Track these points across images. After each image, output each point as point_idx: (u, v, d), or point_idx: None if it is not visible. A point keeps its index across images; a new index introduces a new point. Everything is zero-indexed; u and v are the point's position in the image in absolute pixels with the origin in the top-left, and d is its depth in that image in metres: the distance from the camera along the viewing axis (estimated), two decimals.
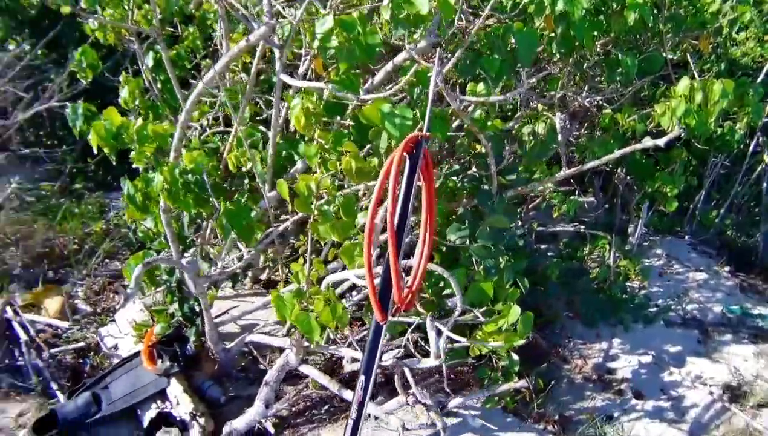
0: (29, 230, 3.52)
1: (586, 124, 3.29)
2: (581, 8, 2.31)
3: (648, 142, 2.36)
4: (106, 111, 2.35)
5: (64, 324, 2.99)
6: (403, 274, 1.76)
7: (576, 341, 3.51)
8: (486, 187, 2.32)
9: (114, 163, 2.38)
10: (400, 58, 2.14)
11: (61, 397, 2.62)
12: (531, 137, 2.31)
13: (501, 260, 2.25)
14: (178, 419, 2.40)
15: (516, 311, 2.12)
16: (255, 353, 2.89)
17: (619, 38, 3.14)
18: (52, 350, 2.85)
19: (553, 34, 2.54)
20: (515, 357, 2.39)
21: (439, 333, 1.93)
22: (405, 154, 1.59)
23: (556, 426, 2.78)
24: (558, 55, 2.69)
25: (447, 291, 2.24)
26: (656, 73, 3.21)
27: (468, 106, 2.21)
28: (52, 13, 4.05)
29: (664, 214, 4.96)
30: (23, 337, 2.87)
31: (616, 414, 2.98)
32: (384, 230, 1.57)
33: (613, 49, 3.15)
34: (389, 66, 2.23)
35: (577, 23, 2.35)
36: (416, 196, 1.73)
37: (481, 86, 2.09)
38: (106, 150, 2.36)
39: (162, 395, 2.54)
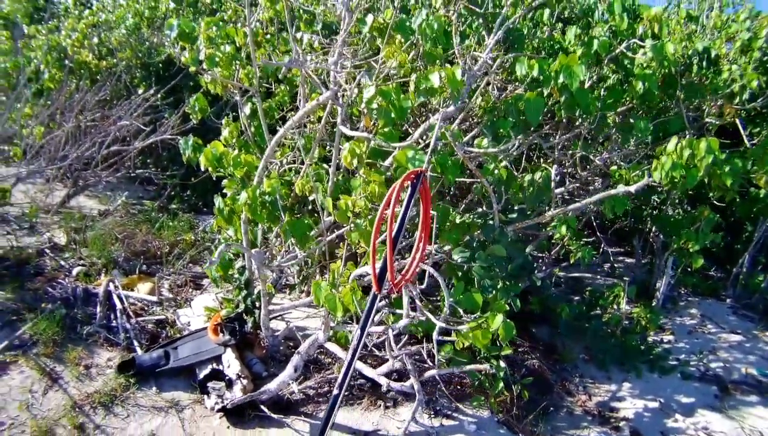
0: (132, 232, 4.67)
1: (601, 179, 3.91)
2: (578, 80, 3.04)
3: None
4: (213, 142, 3.39)
5: (153, 298, 3.99)
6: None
7: (586, 380, 3.96)
8: (491, 222, 3.04)
9: (211, 184, 3.41)
10: (428, 122, 2.97)
11: (139, 351, 3.60)
12: (530, 185, 3.02)
13: (499, 281, 2.92)
14: (226, 377, 3.24)
15: (499, 318, 2.77)
16: (294, 343, 3.69)
17: (635, 105, 3.81)
18: (139, 318, 3.86)
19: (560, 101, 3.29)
20: (502, 364, 2.99)
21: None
22: (408, 182, 2.38)
23: None
24: (564, 117, 3.41)
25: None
26: (675, 134, 3.81)
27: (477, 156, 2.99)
28: (173, 65, 5.42)
29: (707, 278, 5.27)
30: (119, 306, 3.90)
31: None
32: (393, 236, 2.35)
33: (631, 114, 3.83)
34: (424, 125, 3.07)
35: (575, 92, 3.08)
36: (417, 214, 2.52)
37: (485, 142, 2.87)
38: (210, 169, 3.38)
39: (218, 360, 3.41)
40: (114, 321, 3.88)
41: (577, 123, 3.79)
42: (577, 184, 3.82)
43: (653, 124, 3.64)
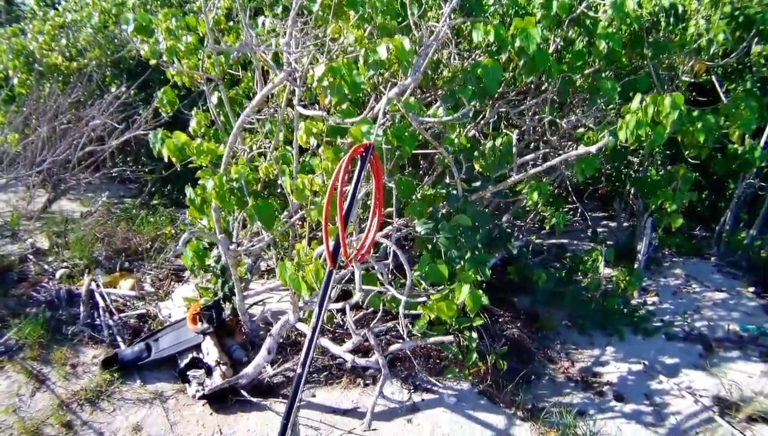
0: (113, 231, 4.69)
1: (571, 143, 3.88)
2: (534, 43, 3.00)
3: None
4: (175, 132, 3.38)
5: (132, 293, 4.03)
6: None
7: (569, 346, 3.96)
8: (454, 192, 3.02)
9: (191, 177, 3.40)
10: (385, 96, 2.94)
11: (123, 346, 3.65)
12: (491, 152, 2.99)
13: (466, 251, 2.91)
14: (206, 365, 3.27)
15: (465, 289, 2.77)
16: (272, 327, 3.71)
17: (601, 66, 3.76)
18: (121, 315, 3.89)
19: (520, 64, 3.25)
20: (474, 335, 3.00)
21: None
22: (357, 155, 2.37)
23: (525, 412, 3.26)
24: (527, 83, 3.37)
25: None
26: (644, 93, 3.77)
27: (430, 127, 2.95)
28: (144, 63, 5.38)
29: (691, 237, 5.24)
30: (101, 303, 3.93)
31: (591, 412, 3.37)
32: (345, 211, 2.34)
33: (595, 75, 3.78)
34: (381, 102, 3.04)
35: (533, 55, 3.03)
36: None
37: (441, 111, 2.83)
38: (174, 159, 3.37)
39: (197, 348, 3.44)
40: (98, 319, 3.92)
41: (544, 87, 3.75)
42: (548, 150, 3.78)
43: (621, 84, 3.59)
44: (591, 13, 3.41)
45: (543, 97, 3.74)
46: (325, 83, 2.73)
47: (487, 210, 3.19)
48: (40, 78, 5.58)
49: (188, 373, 3.31)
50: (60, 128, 5.18)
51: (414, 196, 3.06)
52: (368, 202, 2.92)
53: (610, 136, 2.84)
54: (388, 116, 3.13)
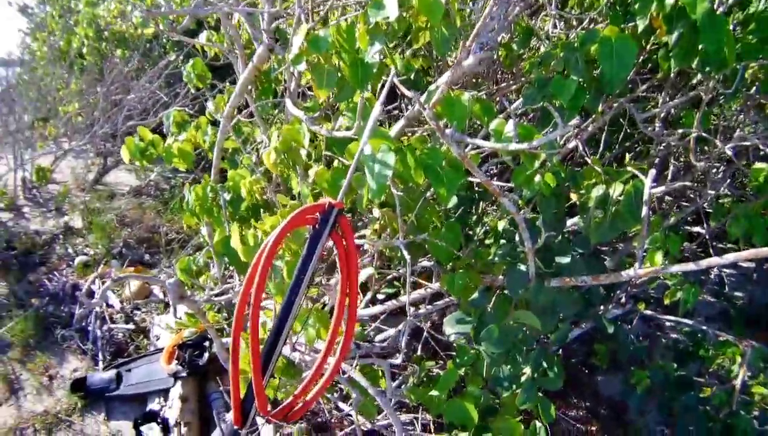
0: (141, 215, 3.66)
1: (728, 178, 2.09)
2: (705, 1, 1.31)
3: None
4: (140, 128, 2.16)
5: (116, 305, 2.99)
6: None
7: None
8: (522, 267, 1.48)
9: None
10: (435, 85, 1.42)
11: (101, 365, 2.70)
12: (600, 205, 1.39)
13: (524, 370, 1.41)
14: (165, 420, 2.14)
15: None
16: None
17: None
18: (111, 326, 2.87)
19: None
20: None
21: None
22: (307, 227, 0.94)
23: None
24: (673, 71, 1.64)
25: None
26: None
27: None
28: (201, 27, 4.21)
29: None
30: (97, 308, 2.94)
31: None
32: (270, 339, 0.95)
33: None
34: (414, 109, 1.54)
35: (700, 23, 1.34)
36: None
37: (509, 125, 1.28)
38: (138, 163, 2.18)
39: (167, 393, 2.31)
40: (90, 325, 2.95)
41: (697, 79, 1.98)
42: (692, 183, 2.05)
43: None
44: None
45: (692, 96, 1.97)
46: (302, 66, 1.29)
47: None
48: (107, 46, 4.64)
49: (142, 428, 2.19)
50: (112, 99, 4.21)
51: (460, 256, 1.56)
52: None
53: None
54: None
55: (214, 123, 2.43)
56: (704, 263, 1.45)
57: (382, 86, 2.23)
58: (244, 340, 1.66)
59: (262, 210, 2.11)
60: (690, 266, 1.49)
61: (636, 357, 2.21)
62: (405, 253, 1.32)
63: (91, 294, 3.08)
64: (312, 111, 1.79)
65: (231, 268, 2.48)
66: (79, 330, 2.91)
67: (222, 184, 2.08)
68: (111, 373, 2.53)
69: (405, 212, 1.36)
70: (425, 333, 1.83)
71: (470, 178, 1.68)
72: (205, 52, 2.87)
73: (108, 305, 3.01)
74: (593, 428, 2.34)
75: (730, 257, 1.44)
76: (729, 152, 1.88)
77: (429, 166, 1.28)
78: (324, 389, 1.04)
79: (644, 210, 1.34)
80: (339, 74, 1.35)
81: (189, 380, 2.40)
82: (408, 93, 1.14)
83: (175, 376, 2.38)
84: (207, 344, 2.50)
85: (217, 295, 2.10)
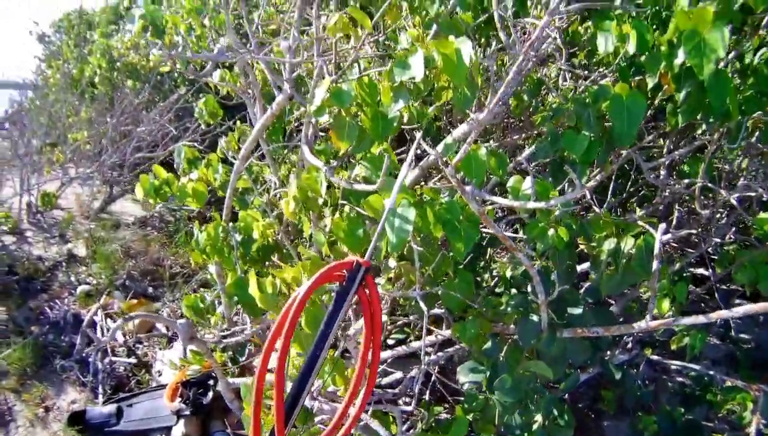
0: (146, 248, 3.68)
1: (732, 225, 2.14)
2: (714, 58, 1.38)
3: None
4: (155, 166, 2.22)
5: (119, 338, 2.96)
6: None
7: None
8: (535, 317, 1.50)
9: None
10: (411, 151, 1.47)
11: (101, 399, 2.67)
12: (612, 258, 1.42)
13: (536, 418, 1.41)
14: None
15: None
16: None
17: None
18: (113, 358, 2.84)
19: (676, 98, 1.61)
20: None
21: None
22: (332, 284, 0.97)
23: None
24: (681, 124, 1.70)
25: None
26: None
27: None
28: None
29: None
30: (100, 338, 2.93)
31: None
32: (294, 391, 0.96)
33: None
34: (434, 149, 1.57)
35: (708, 83, 1.41)
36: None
37: (527, 182, 1.32)
38: (151, 201, 2.22)
39: (169, 430, 2.28)
40: (90, 357, 2.92)
41: (702, 130, 2.05)
42: (697, 230, 2.10)
43: None
44: None
45: (696, 146, 2.05)
46: (325, 117, 1.34)
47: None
48: (119, 77, 4.75)
49: None
50: (121, 129, 4.28)
51: (473, 305, 1.58)
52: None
53: None
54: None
55: (224, 161, 2.49)
56: (714, 315, 1.47)
57: (398, 138, 2.30)
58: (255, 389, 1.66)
59: (274, 252, 2.14)
60: (701, 319, 1.51)
61: (643, 402, 2.21)
62: (422, 304, 1.35)
63: (92, 325, 3.06)
64: (324, 155, 1.85)
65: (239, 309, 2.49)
66: (79, 361, 2.88)
67: (233, 225, 2.12)
68: (111, 407, 2.50)
69: (422, 265, 1.39)
70: (433, 378, 1.83)
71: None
72: (217, 90, 2.96)
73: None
74: None
75: (739, 311, 1.47)
76: (734, 201, 1.94)
77: (447, 221, 1.32)
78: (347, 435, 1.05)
79: (655, 264, 1.37)
80: (359, 126, 1.40)
81: (192, 418, 2.37)
82: (430, 150, 1.19)
83: (178, 414, 2.36)
84: (211, 382, 2.48)
85: (224, 336, 2.10)
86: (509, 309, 1.54)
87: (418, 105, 1.86)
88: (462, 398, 1.60)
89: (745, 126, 1.92)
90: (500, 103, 1.51)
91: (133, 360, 2.86)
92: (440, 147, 1.48)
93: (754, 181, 2.14)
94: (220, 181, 2.35)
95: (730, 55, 1.81)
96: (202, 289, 3.60)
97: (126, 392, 2.66)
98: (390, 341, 2.18)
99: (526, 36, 1.66)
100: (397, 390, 1.79)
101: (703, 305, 2.92)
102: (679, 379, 2.67)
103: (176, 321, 1.88)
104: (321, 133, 2.21)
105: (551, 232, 1.38)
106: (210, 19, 2.71)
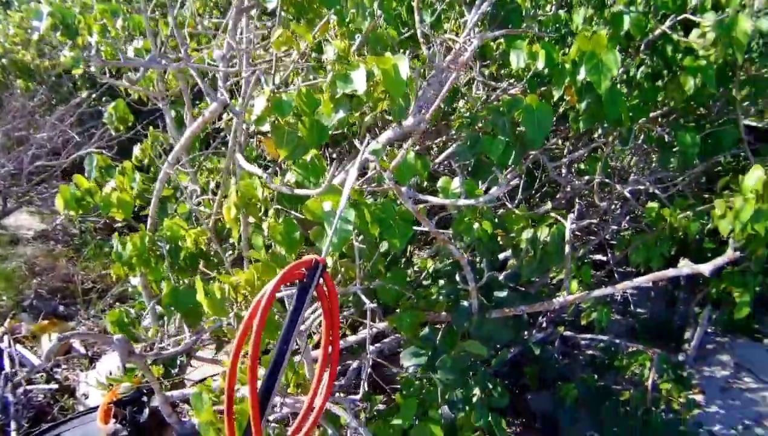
0: (54, 263, 3.46)
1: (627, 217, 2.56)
2: (610, 76, 1.69)
3: (685, 267, 1.64)
4: (76, 175, 2.16)
5: (36, 361, 2.79)
6: None
7: None
8: (465, 303, 1.73)
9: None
10: (363, 149, 1.63)
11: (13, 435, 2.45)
12: (530, 246, 1.69)
13: (474, 389, 1.63)
14: None
15: None
16: None
17: (677, 111, 2.44)
18: (29, 387, 2.67)
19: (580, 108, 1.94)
20: None
21: None
22: (295, 281, 1.09)
23: None
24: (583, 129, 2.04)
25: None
26: (727, 152, 2.45)
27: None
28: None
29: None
30: (7, 368, 2.72)
31: None
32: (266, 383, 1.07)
33: (663, 121, 2.47)
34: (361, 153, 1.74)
35: (604, 96, 1.73)
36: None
37: (456, 182, 1.54)
38: (72, 213, 2.15)
39: None
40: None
41: (597, 134, 2.44)
42: (596, 221, 2.48)
43: (702, 136, 2.28)
44: (677, 37, 2.07)
45: (593, 147, 2.43)
46: (266, 126, 1.46)
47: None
48: (7, 76, 4.34)
49: None
50: (15, 135, 3.95)
51: (403, 297, 1.77)
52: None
53: (735, 249, 1.54)
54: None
55: (140, 169, 2.45)
56: (620, 286, 1.82)
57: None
58: (205, 389, 1.72)
59: (201, 260, 2.17)
60: (608, 290, 1.85)
61: (561, 373, 2.56)
62: (363, 297, 1.51)
63: None
64: (251, 161, 1.93)
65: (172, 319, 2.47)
66: None
67: (158, 234, 2.12)
68: None
69: (363, 261, 1.55)
70: (368, 369, 2.01)
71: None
72: (127, 93, 2.89)
73: (21, 365, 2.80)
74: None
75: (639, 280, 1.83)
76: (627, 194, 2.34)
77: (383, 220, 1.50)
78: (314, 426, 1.18)
79: (567, 248, 1.66)
80: (301, 138, 1.53)
81: None
82: (369, 156, 1.36)
83: (116, 435, 2.30)
84: (145, 399, 2.44)
85: (162, 348, 2.11)
86: (441, 298, 1.76)
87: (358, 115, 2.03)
88: (397, 387, 1.79)
89: (633, 130, 2.34)
90: (424, 110, 1.72)
91: (54, 386, 2.70)
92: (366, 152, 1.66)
93: (643, 176, 2.59)
94: (137, 190, 2.32)
95: (621, 69, 2.20)
96: (118, 303, 3.47)
97: (49, 422, 2.52)
98: None
99: (445, 50, 1.89)
100: (342, 382, 1.94)
101: (604, 286, 3.40)
102: (589, 352, 3.11)
103: (112, 337, 1.87)
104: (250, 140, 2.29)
105: (476, 225, 1.61)
106: (124, 21, 2.65)
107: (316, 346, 2.12)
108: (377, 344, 2.16)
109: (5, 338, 2.92)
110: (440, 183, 1.54)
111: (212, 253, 2.24)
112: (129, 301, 3.53)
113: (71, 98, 4.30)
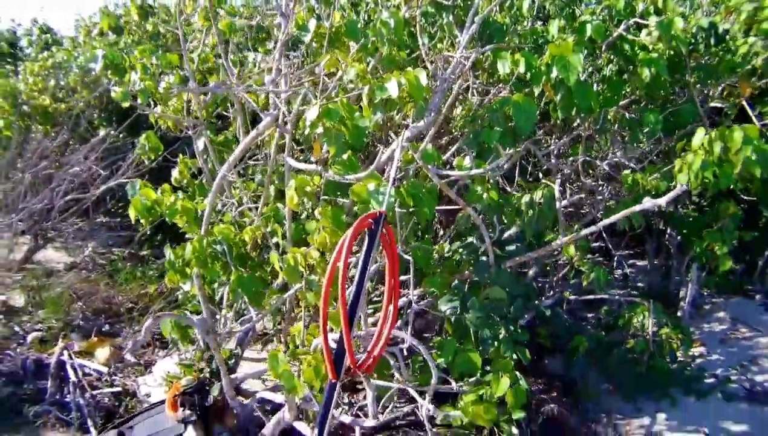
0: (94, 288, 3.96)
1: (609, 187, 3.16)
2: (576, 73, 2.30)
3: (648, 202, 2.22)
4: (143, 188, 2.68)
5: (104, 369, 3.27)
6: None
7: (615, 417, 3.19)
8: (483, 258, 2.29)
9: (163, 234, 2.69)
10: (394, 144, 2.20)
11: (93, 432, 2.93)
12: (528, 207, 2.27)
13: (500, 329, 2.17)
14: None
15: (505, 383, 2.03)
16: (272, 406, 2.96)
17: (641, 96, 3.07)
18: (95, 392, 3.14)
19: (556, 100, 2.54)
20: (514, 430, 2.24)
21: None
22: (365, 229, 1.64)
23: None
24: (560, 119, 2.65)
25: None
26: (687, 126, 3.06)
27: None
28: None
29: (730, 273, 4.47)
30: (72, 378, 3.19)
31: None
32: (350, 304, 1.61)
33: (635, 107, 3.08)
34: (392, 146, 2.31)
35: (573, 88, 2.33)
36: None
37: (467, 160, 2.12)
38: (142, 221, 2.68)
39: None
40: (68, 396, 3.18)
41: (576, 123, 3.05)
42: (583, 195, 3.06)
43: (663, 115, 2.89)
44: (631, 37, 2.71)
45: (575, 135, 3.04)
46: (320, 129, 2.03)
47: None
48: (27, 120, 4.90)
49: None
50: (42, 174, 4.49)
51: (432, 264, 2.33)
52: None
53: (683, 185, 2.12)
54: (399, 170, 2.43)
55: (175, 190, 2.99)
56: (601, 224, 2.38)
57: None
58: (277, 353, 2.23)
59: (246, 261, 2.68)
60: (593, 228, 2.40)
61: (571, 332, 3.11)
62: (404, 256, 2.06)
63: (61, 365, 3.30)
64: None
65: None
66: (54, 403, 3.12)
67: (212, 238, 2.64)
68: (112, 433, 2.80)
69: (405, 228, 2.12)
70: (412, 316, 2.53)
71: None
72: (155, 126, 3.46)
73: (85, 374, 3.27)
74: (552, 407, 3.13)
75: (617, 216, 2.37)
76: (607, 168, 2.93)
77: (414, 194, 2.07)
78: (385, 347, 1.71)
79: (557, 204, 2.24)
80: (345, 137, 2.10)
81: (198, 422, 2.78)
82: (415, 154, 1.94)
83: (185, 421, 2.76)
84: (207, 388, 2.92)
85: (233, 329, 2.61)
86: (463, 258, 2.32)
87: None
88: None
89: (606, 117, 2.96)
90: (433, 113, 2.32)
91: (118, 388, 3.18)
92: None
93: (620, 154, 3.20)
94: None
95: (590, 68, 2.84)
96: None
97: (118, 419, 2.98)
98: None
99: (445, 64, 2.50)
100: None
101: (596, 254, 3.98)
102: (593, 315, 3.67)
103: (194, 318, 2.39)
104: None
105: (485, 195, 2.19)
106: (157, 59, 3.25)
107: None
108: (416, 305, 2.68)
109: (64, 352, 3.39)
110: (455, 161, 2.12)
111: (255, 255, 2.77)
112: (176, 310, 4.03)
113: (89, 137, 4.87)
